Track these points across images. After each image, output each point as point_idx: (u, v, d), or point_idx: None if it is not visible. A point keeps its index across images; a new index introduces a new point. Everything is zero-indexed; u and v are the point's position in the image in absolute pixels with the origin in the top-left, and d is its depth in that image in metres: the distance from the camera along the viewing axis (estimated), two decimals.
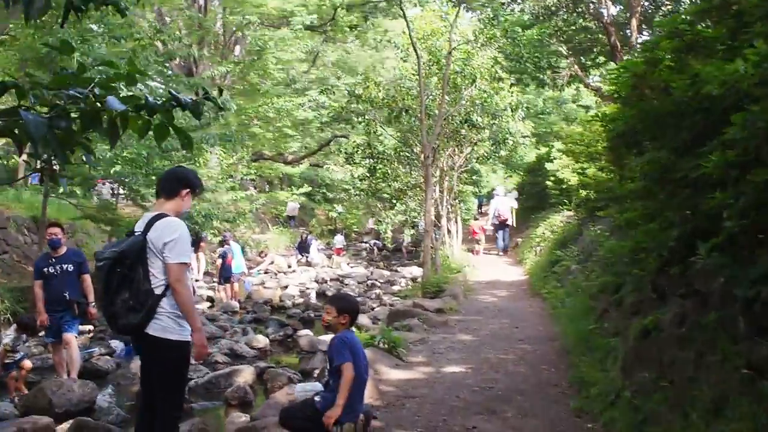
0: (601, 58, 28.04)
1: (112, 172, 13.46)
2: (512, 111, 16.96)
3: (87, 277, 9.79)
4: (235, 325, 15.11)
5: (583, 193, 17.30)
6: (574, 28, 24.63)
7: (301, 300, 18.46)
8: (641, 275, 7.48)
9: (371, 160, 17.72)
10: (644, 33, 26.31)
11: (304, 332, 14.19)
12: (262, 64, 25.87)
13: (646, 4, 25.68)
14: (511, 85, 17.57)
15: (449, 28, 15.58)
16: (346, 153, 18.40)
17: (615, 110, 7.53)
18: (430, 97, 16.45)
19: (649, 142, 6.87)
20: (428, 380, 8.43)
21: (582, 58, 26.31)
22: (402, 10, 15.53)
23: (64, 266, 9.42)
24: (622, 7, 26.03)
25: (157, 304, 4.98)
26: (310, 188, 34.24)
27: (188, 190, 5.30)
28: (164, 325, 4.95)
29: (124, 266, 5.04)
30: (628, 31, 25.69)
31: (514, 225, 25.00)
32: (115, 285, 5.03)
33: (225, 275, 17.73)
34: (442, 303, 13.14)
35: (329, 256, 26.99)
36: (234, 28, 26.18)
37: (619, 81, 7.10)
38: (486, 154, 18.78)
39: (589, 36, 26.36)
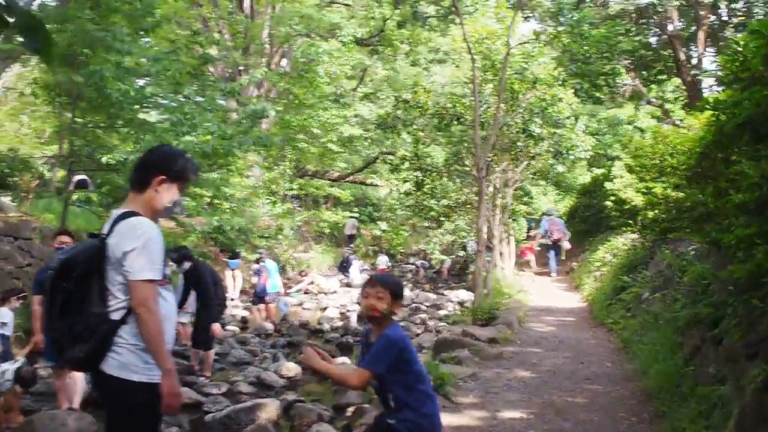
0: (662, 76, 26.43)
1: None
2: (575, 120, 15.24)
3: None
4: (266, 350, 13.61)
5: (651, 213, 15.58)
6: (636, 41, 22.88)
7: (340, 323, 16.87)
8: (760, 308, 5.78)
9: (418, 173, 16.09)
10: (709, 49, 24.55)
11: (341, 360, 12.59)
12: (309, 77, 24.48)
13: (713, 18, 24.00)
14: (573, 94, 15.85)
15: (506, 30, 13.96)
16: (391, 165, 16.79)
17: (731, 96, 5.77)
18: (485, 105, 14.82)
19: None
20: (482, 428, 6.83)
21: (644, 73, 24.68)
22: (456, 7, 13.90)
23: None
24: (684, 23, 24.35)
25: (112, 333, 3.60)
26: (356, 207, 32.79)
27: (163, 177, 3.85)
28: (124, 361, 3.59)
29: (70, 280, 3.64)
30: (692, 46, 24.00)
31: (567, 246, 23.40)
32: (60, 304, 3.65)
33: (259, 295, 16.25)
34: (495, 332, 11.44)
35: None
36: (280, 38, 24.81)
37: (740, 57, 5.43)
38: (544, 169, 17.06)
39: (650, 51, 24.73)
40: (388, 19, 26.29)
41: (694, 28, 23.93)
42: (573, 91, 15.76)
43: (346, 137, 25.44)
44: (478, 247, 13.22)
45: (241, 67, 25.19)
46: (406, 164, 16.23)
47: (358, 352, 13.54)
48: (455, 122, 14.60)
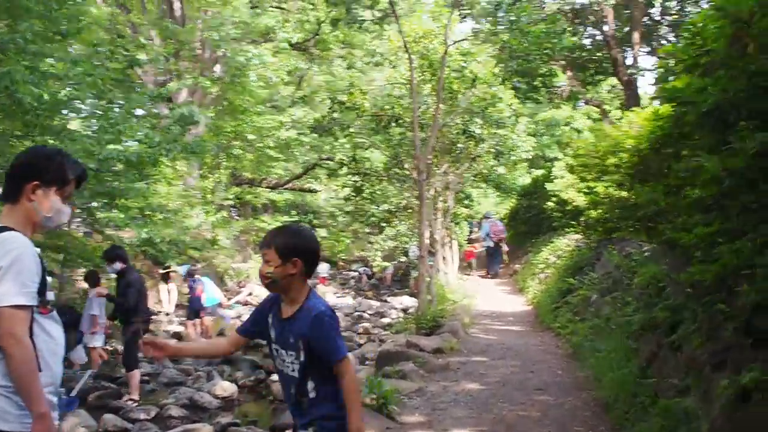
0: (599, 77, 26.29)
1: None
2: (516, 120, 14.78)
3: None
4: (200, 368, 12.83)
5: (594, 213, 15.23)
6: (573, 41, 22.64)
7: None
8: (725, 312, 5.32)
9: (357, 177, 15.45)
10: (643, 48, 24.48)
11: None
12: (242, 82, 23.69)
13: (646, 19, 23.90)
14: (513, 95, 15.37)
15: (443, 29, 13.44)
16: (329, 170, 16.11)
17: (692, 83, 5.25)
18: (424, 106, 14.26)
19: (747, 122, 4.71)
20: None
21: (580, 74, 24.45)
22: (393, 8, 13.31)
23: None
24: (619, 24, 24.22)
25: None
26: (296, 214, 32.03)
27: (36, 182, 3.18)
28: None
29: None
30: (626, 47, 23.87)
31: (505, 248, 23.24)
32: None
33: (194, 309, 15.45)
34: (440, 341, 10.88)
35: (314, 286, 24.64)
36: (213, 44, 23.97)
37: (698, 41, 4.94)
38: (485, 171, 16.56)
39: (586, 52, 24.55)
40: (323, 21, 25.62)
41: (628, 28, 23.82)
42: (512, 90, 15.30)
43: (283, 142, 24.62)
44: (420, 252, 12.63)
45: (173, 74, 24.33)
46: (344, 169, 15.59)
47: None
48: (393, 124, 14.00)
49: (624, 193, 13.67)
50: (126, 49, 15.24)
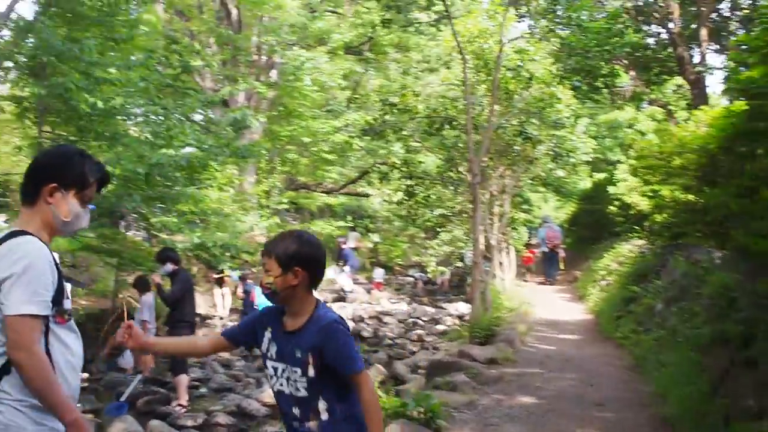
0: (663, 76, 25.36)
1: (102, 192, 10.96)
2: (575, 120, 14.14)
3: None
4: (251, 374, 12.55)
5: (659, 217, 14.54)
6: (637, 38, 21.83)
7: None
8: None
9: (409, 181, 14.98)
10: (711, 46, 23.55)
11: None
12: (297, 87, 23.46)
13: (714, 15, 22.98)
14: (572, 95, 14.69)
15: (499, 27, 12.91)
16: (380, 173, 15.63)
17: (764, 72, 4.69)
18: (478, 107, 13.74)
19: None
20: None
21: (644, 74, 23.58)
22: (446, 5, 12.81)
23: None
24: (685, 21, 23.33)
25: None
26: (351, 219, 31.71)
27: (54, 185, 2.94)
28: (6, 422, 2.73)
29: None
30: (693, 45, 22.98)
31: (563, 254, 22.62)
32: None
33: (248, 313, 15.19)
34: (494, 351, 10.35)
35: (368, 291, 24.18)
36: (266, 47, 23.80)
37: None
38: (543, 174, 15.95)
39: (650, 51, 23.69)
40: (377, 25, 25.21)
41: (695, 26, 22.94)
42: (571, 90, 14.66)
43: (338, 146, 24.31)
44: (474, 258, 12.10)
45: (229, 80, 24.25)
46: (396, 172, 15.13)
47: None
48: (447, 126, 13.50)
49: (691, 197, 12.99)
50: (180, 55, 15.02)
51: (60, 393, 2.73)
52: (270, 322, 3.22)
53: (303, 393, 3.05)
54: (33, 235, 2.83)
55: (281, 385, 3.12)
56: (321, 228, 24.85)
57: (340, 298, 23.12)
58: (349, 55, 27.75)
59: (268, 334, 3.20)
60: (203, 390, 11.48)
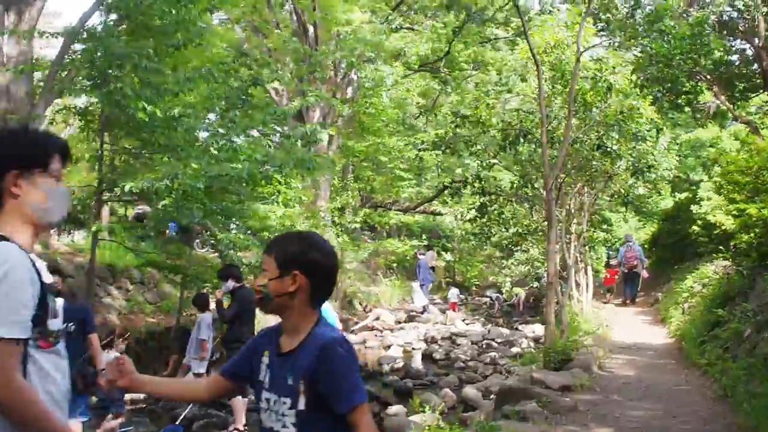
0: (749, 93, 24.15)
1: (160, 206, 10.67)
2: (657, 133, 13.27)
3: (95, 338, 7.50)
4: None
5: (746, 237, 13.59)
6: (721, 54, 20.80)
7: (402, 364, 15.15)
8: None
9: (482, 197, 14.28)
10: None
11: (396, 410, 11.00)
12: (373, 103, 23.14)
13: None
14: (651, 103, 13.80)
15: (575, 37, 12.22)
16: (451, 189, 14.91)
17: None
18: (555, 121, 13.06)
19: None
20: None
21: (728, 91, 22.44)
22: (518, 9, 12.19)
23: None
24: None
25: None
26: (427, 238, 31.15)
27: (14, 171, 2.44)
28: None
29: None
30: None
31: (645, 274, 21.58)
32: None
33: None
34: (569, 377, 9.63)
35: (443, 311, 23.53)
36: (343, 63, 23.54)
37: None
38: (623, 191, 15.07)
39: (735, 67, 22.59)
40: (453, 40, 24.73)
41: None
42: (652, 103, 13.79)
43: (415, 161, 23.78)
44: (549, 278, 11.37)
45: (305, 95, 24.09)
46: (468, 188, 14.43)
47: (418, 398, 11.98)
48: (522, 140, 12.81)
49: None
50: (250, 68, 14.74)
51: (49, 417, 2.26)
52: (267, 345, 2.67)
53: (289, 430, 2.47)
54: (7, 239, 2.33)
55: (271, 421, 2.54)
56: (394, 246, 24.39)
57: (413, 317, 22.56)
58: (426, 72, 27.37)
59: (265, 360, 2.64)
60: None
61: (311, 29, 24.92)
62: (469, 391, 11.87)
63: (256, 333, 10.02)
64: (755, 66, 22.25)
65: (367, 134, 23.85)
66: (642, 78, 12.11)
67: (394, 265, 27.72)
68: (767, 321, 8.87)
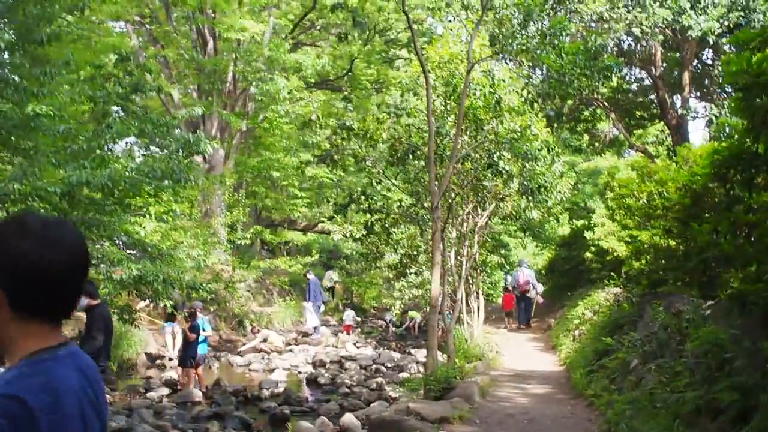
0: (645, 121, 24.25)
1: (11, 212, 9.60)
2: (550, 153, 12.72)
3: None
4: (182, 424, 10.97)
5: (637, 263, 13.18)
6: (617, 76, 20.74)
7: (282, 388, 14.15)
8: None
9: (369, 215, 13.42)
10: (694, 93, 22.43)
11: None
12: (269, 118, 22.19)
13: (696, 63, 21.93)
14: (546, 125, 13.26)
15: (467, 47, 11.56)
16: (336, 205, 13.99)
17: None
18: (446, 139, 12.36)
19: None
20: None
21: (626, 119, 22.45)
22: (408, 17, 11.46)
23: None
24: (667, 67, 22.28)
25: None
26: (327, 258, 30.23)
27: None
28: None
29: None
30: (674, 93, 21.89)
31: (539, 299, 21.33)
32: None
33: (191, 355, 13.61)
34: (448, 408, 8.85)
35: (335, 334, 22.61)
36: (239, 77, 22.57)
37: None
38: (514, 213, 14.48)
39: (633, 93, 22.63)
40: (356, 57, 24.00)
41: (676, 73, 21.94)
42: (547, 120, 13.25)
43: (310, 179, 22.83)
44: (432, 301, 10.59)
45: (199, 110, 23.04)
46: (354, 206, 13.52)
47: (293, 427, 11.04)
48: (410, 156, 12.03)
49: (672, 242, 11.67)
50: (131, 74, 13.59)
51: None
52: None
53: None
54: None
55: None
56: (287, 265, 23.38)
57: (303, 339, 21.59)
58: (327, 90, 26.61)
59: None
60: None
61: (210, 42, 23.99)
62: (348, 419, 10.98)
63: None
64: (653, 96, 22.34)
65: (262, 149, 22.84)
66: (533, 95, 11.54)
67: (287, 285, 26.67)
68: (653, 352, 8.27)
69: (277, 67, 22.80)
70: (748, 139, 5.52)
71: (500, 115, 11.61)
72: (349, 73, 25.00)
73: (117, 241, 13.01)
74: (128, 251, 13.56)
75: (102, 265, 12.23)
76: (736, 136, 5.85)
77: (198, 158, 24.29)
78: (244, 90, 23.97)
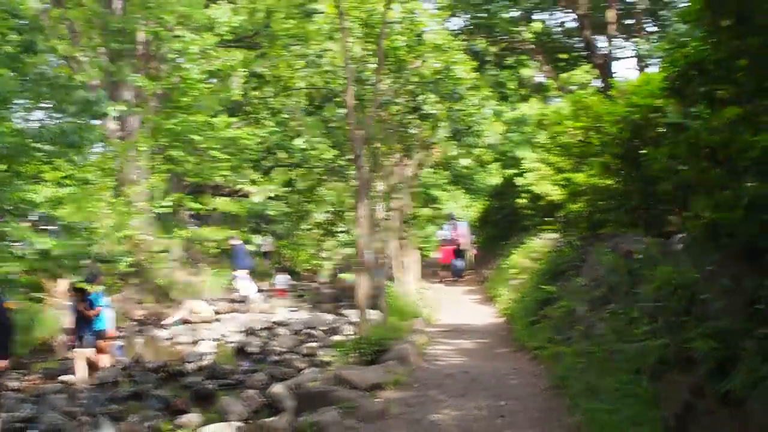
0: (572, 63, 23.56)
1: None
2: (476, 92, 11.84)
3: None
4: (96, 410, 9.87)
5: (575, 206, 12.46)
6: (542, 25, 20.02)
7: (208, 361, 13.11)
8: None
9: (289, 170, 12.30)
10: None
11: (186, 419, 9.04)
12: (183, 76, 20.79)
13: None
14: (474, 68, 12.31)
15: None
16: (250, 161, 12.70)
17: None
18: (367, 84, 11.34)
19: None
20: None
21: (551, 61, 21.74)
22: None
23: None
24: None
25: None
26: (255, 223, 28.99)
27: None
28: None
29: None
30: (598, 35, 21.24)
31: (473, 251, 20.81)
32: None
33: (96, 330, 12.39)
34: (381, 373, 7.97)
35: (268, 299, 21.54)
36: (148, 35, 21.06)
37: None
38: (443, 160, 13.56)
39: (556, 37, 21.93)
40: (273, 11, 22.64)
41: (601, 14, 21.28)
42: (474, 61, 12.31)
43: (230, 141, 21.47)
44: (359, 257, 9.64)
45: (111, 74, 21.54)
46: (271, 160, 12.30)
47: (219, 401, 10.07)
48: (330, 103, 10.94)
49: (610, 181, 10.95)
50: (20, 33, 12.20)
51: None
52: None
53: None
54: None
55: None
56: (210, 233, 22.15)
57: (233, 308, 20.48)
58: (245, 49, 25.20)
59: None
60: None
61: (118, 4, 22.41)
62: (277, 390, 10.03)
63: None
64: (577, 39, 21.72)
65: (179, 111, 21.40)
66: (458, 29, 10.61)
67: (215, 252, 25.43)
68: (602, 298, 7.50)
69: (191, 25, 21.40)
70: (708, 46, 4.69)
71: (423, 54, 10.64)
72: (267, 28, 23.65)
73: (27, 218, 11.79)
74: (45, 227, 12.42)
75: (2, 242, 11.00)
76: (692, 46, 4.98)
77: (111, 125, 22.94)
78: (157, 52, 22.50)
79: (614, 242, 8.45)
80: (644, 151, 8.35)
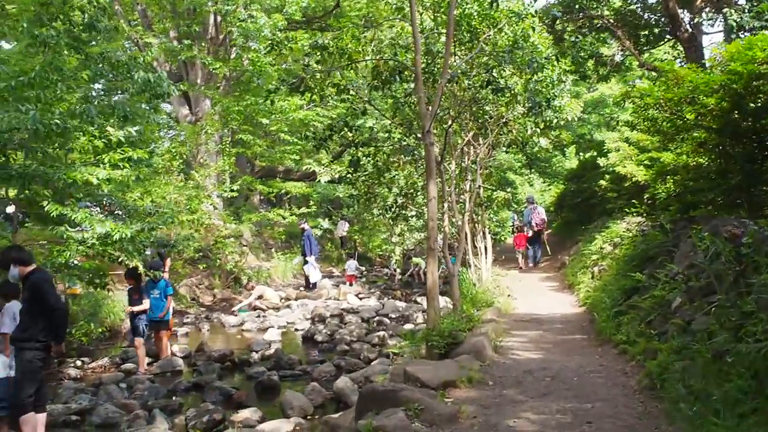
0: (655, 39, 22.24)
1: None
2: (556, 63, 10.90)
3: None
4: (152, 403, 9.39)
5: (662, 187, 11.48)
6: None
7: (274, 350, 12.57)
8: None
9: (354, 149, 11.52)
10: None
11: (245, 414, 8.48)
12: (252, 58, 20.35)
13: None
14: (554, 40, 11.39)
15: None
16: (315, 139, 11.94)
17: None
18: (438, 58, 10.52)
19: None
20: None
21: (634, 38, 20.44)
22: None
23: None
24: None
25: None
26: (327, 207, 28.53)
27: None
28: None
29: None
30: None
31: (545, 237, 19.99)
32: None
33: (157, 321, 12.06)
34: (453, 369, 7.22)
35: (338, 285, 20.96)
36: (221, 20, 20.68)
37: None
38: (520, 139, 12.59)
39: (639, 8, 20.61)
40: None
41: None
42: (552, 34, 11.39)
43: (301, 123, 20.90)
44: (429, 242, 8.86)
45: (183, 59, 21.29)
46: (336, 138, 11.48)
47: (282, 394, 9.48)
48: (397, 78, 10.14)
49: (703, 159, 9.95)
50: (82, 11, 11.78)
51: None
52: None
53: None
54: None
55: None
56: (280, 216, 21.65)
57: (303, 294, 19.97)
58: (314, 31, 24.65)
59: None
60: (84, 427, 8.56)
61: None
62: (343, 384, 9.42)
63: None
64: (659, 15, 20.42)
65: (247, 94, 20.96)
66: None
67: (284, 238, 25.02)
68: (704, 287, 6.58)
69: (260, 5, 20.95)
70: None
71: (498, 22, 9.79)
72: (337, 8, 23.04)
73: (85, 203, 11.41)
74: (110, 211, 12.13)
75: (59, 227, 10.54)
76: None
77: (183, 110, 22.73)
78: (227, 34, 22.13)
79: (713, 225, 7.49)
80: (747, 124, 7.41)
